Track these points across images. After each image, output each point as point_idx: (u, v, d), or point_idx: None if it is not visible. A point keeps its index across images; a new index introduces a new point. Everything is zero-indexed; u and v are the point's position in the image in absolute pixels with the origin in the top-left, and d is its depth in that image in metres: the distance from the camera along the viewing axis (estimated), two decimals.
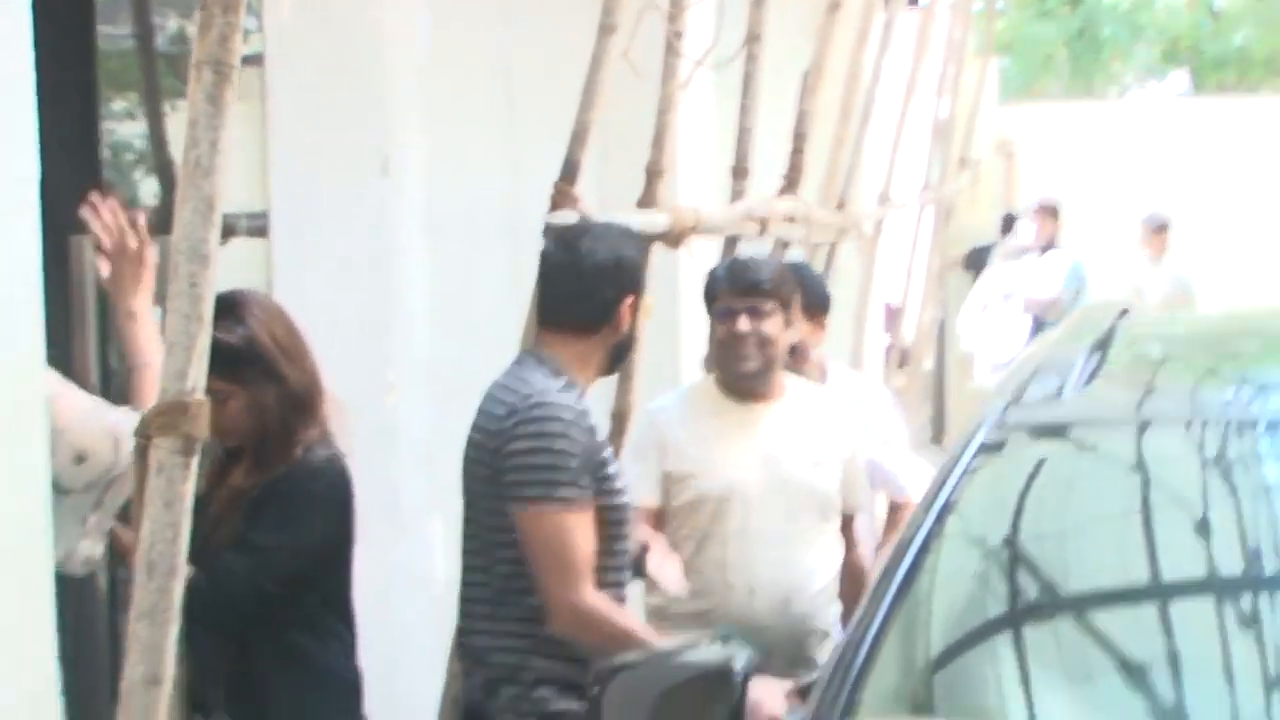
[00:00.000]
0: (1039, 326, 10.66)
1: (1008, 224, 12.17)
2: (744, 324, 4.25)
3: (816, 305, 4.86)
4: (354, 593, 3.64)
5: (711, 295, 4.42)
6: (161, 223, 4.97)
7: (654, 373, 5.34)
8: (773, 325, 4.26)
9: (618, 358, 3.78)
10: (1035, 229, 11.52)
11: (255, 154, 5.19)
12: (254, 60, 4.96)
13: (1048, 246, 11.44)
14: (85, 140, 4.60)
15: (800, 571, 4.27)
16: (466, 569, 3.66)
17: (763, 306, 4.25)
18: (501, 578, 3.55)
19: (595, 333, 3.67)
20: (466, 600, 3.64)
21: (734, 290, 4.30)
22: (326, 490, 3.42)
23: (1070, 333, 3.56)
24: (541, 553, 3.47)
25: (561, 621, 3.46)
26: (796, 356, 4.70)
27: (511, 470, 3.48)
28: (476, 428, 3.63)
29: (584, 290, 3.65)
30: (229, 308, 3.36)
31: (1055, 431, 3.17)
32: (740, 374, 4.30)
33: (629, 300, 3.69)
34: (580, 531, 3.46)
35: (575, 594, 3.45)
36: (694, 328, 6.25)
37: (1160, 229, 11.31)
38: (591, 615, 3.45)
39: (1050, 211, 11.54)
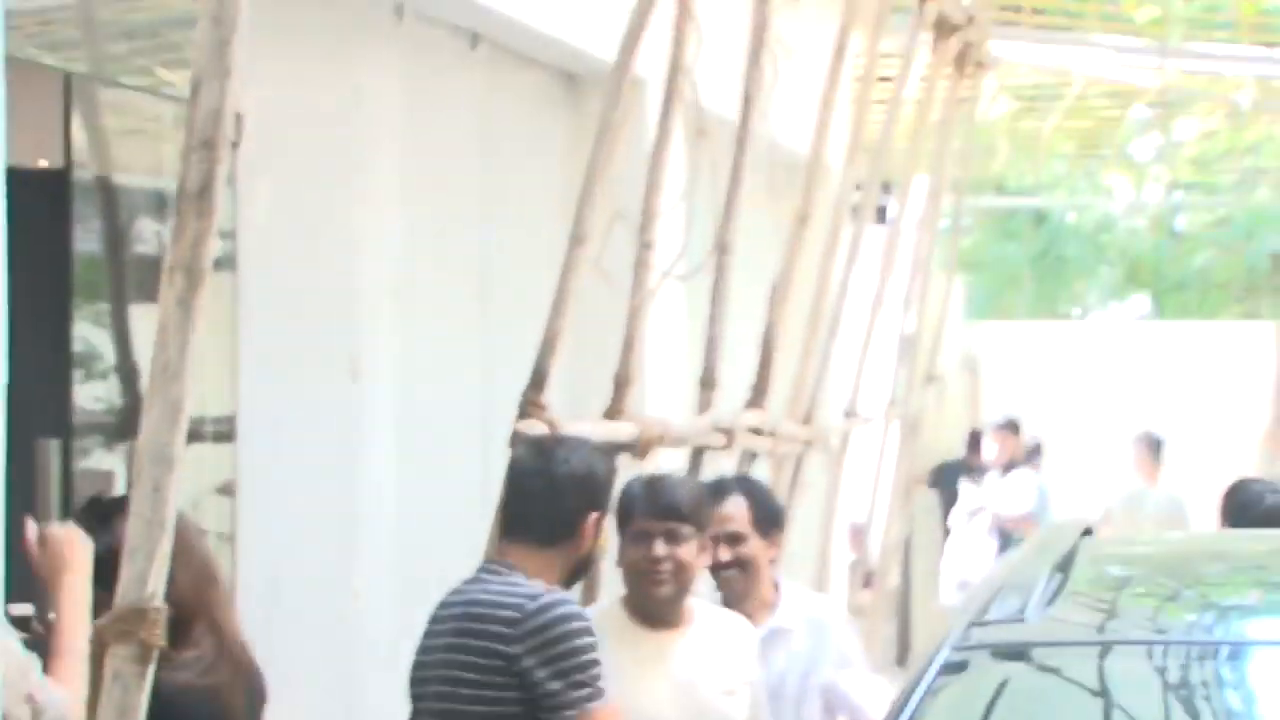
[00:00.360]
0: (1005, 544, 10.66)
1: (974, 441, 12.23)
2: (660, 548, 4.05)
3: (770, 521, 4.66)
4: None
5: (627, 516, 4.14)
6: (124, 426, 5.00)
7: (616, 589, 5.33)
8: (688, 551, 4.12)
9: (577, 573, 3.76)
10: (997, 447, 11.58)
11: (224, 356, 5.21)
12: (226, 264, 5.00)
13: (1010, 465, 11.49)
14: (56, 343, 4.61)
15: None
16: None
17: (680, 530, 4.06)
18: None
19: (558, 546, 3.66)
20: None
21: (651, 512, 4.08)
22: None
23: (1033, 552, 3.56)
24: None
25: None
26: (748, 574, 4.56)
27: (554, 677, 3.44)
28: (460, 645, 3.54)
29: (552, 500, 3.65)
30: (102, 516, 3.27)
31: (1017, 653, 3.15)
32: (654, 599, 4.16)
33: (594, 517, 3.69)
34: None
35: None
36: None
37: (1155, 448, 11.30)
38: None
39: (1011, 429, 11.62)
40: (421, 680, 3.63)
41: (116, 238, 5.30)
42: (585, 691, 3.47)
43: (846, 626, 4.72)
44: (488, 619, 3.51)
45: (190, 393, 2.57)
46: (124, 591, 2.54)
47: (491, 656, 3.48)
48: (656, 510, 4.08)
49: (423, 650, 3.65)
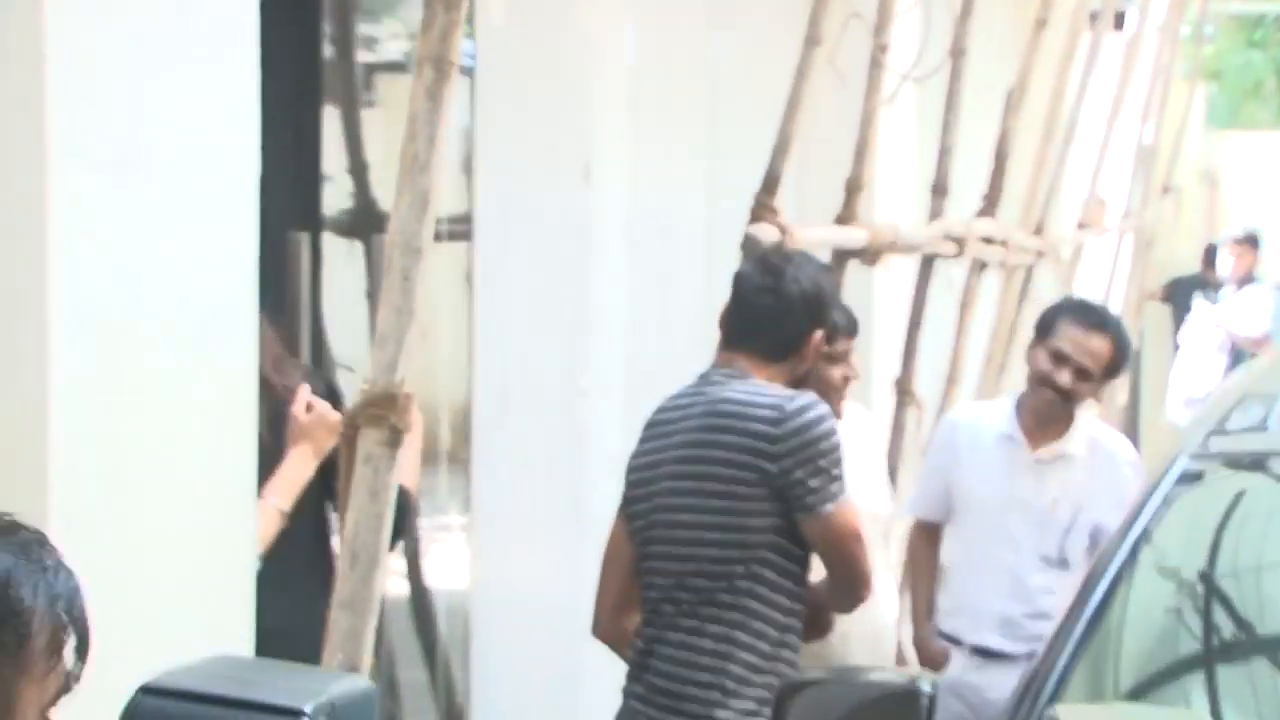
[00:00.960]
0: (1235, 362, 10.42)
1: (1210, 256, 11.92)
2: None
3: (1114, 370, 4.65)
4: (540, 597, 3.68)
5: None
6: (356, 224, 5.11)
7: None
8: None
9: (796, 385, 3.79)
10: (1233, 261, 11.26)
11: (458, 159, 5.28)
12: (465, 71, 5.05)
13: (1245, 280, 11.18)
14: (306, 141, 4.71)
15: None
16: (671, 601, 3.63)
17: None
18: (748, 594, 3.57)
19: (783, 361, 3.69)
20: (682, 631, 3.62)
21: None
22: None
23: (1276, 364, 3.49)
24: (852, 536, 3.60)
25: (867, 589, 3.66)
26: (1069, 405, 4.56)
27: (814, 474, 3.53)
28: (710, 441, 3.60)
29: (781, 318, 3.68)
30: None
31: (1258, 463, 3.11)
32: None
33: (819, 334, 3.71)
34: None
35: (870, 560, 3.66)
36: (887, 345, 6.24)
37: None
38: (872, 574, 3.69)
39: (1250, 243, 11.27)
40: (648, 480, 3.67)
41: (344, 38, 5.37)
42: (836, 486, 3.55)
43: (1135, 468, 4.60)
44: (744, 416, 3.56)
45: (438, 186, 2.62)
46: (374, 377, 2.62)
47: (749, 453, 3.54)
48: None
49: (650, 451, 3.69)
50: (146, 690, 1.63)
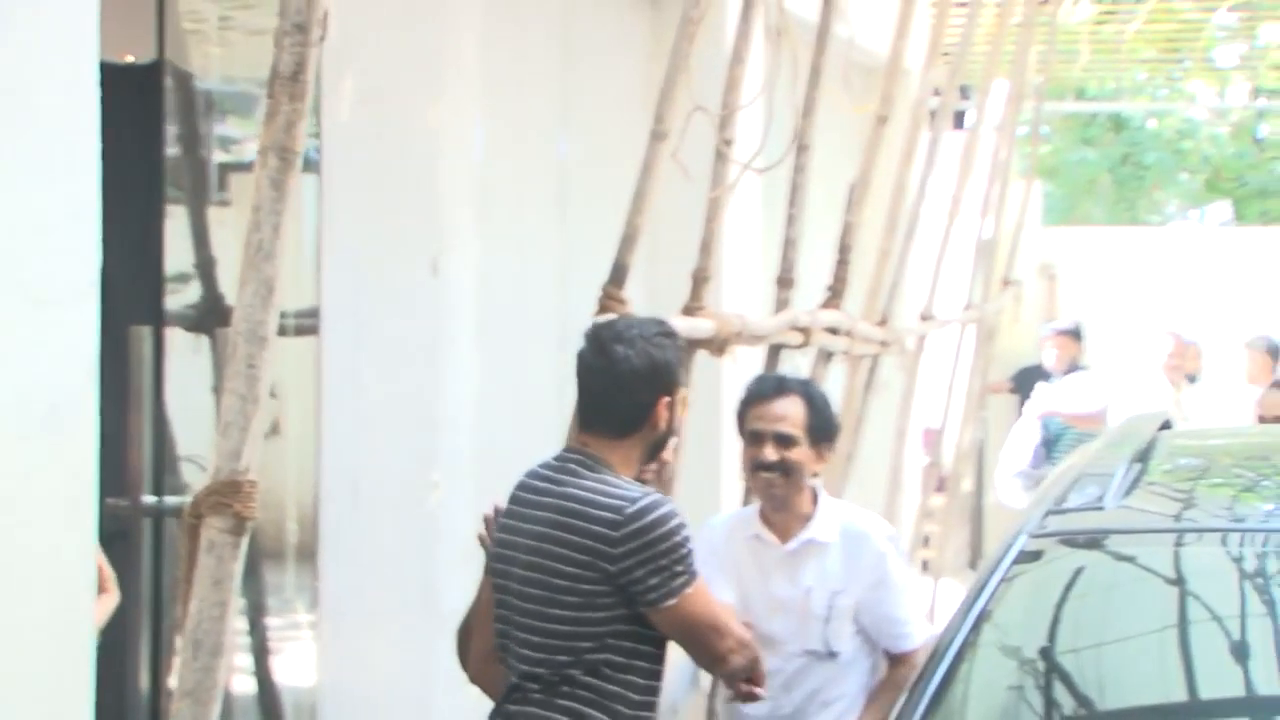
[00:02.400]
0: (1052, 439, 10.59)
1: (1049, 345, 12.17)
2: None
3: (823, 432, 4.34)
4: (391, 692, 3.65)
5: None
6: (202, 318, 5.08)
7: (693, 478, 5.36)
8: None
9: (656, 449, 3.80)
10: (1056, 354, 11.49)
11: (308, 254, 5.27)
12: (310, 166, 5.05)
13: (1070, 369, 11.41)
14: (148, 233, 4.68)
15: None
16: (527, 678, 3.64)
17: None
18: (601, 675, 3.58)
19: (632, 435, 3.70)
20: (539, 706, 3.62)
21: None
22: None
23: (1111, 444, 3.57)
24: (702, 624, 3.60)
25: (738, 661, 3.64)
26: (790, 480, 4.28)
27: (653, 574, 3.53)
28: (556, 538, 3.61)
29: (618, 396, 3.68)
30: None
31: (1094, 541, 3.16)
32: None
33: (664, 401, 3.72)
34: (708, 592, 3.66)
35: (736, 634, 3.64)
36: (734, 435, 6.28)
37: (1272, 353, 10.79)
38: (747, 636, 3.68)
39: (1072, 335, 11.53)
40: (507, 559, 3.69)
41: (191, 135, 5.35)
42: (680, 581, 3.56)
43: (888, 544, 4.38)
44: (586, 517, 3.57)
45: (282, 273, 2.62)
46: (218, 465, 2.60)
47: (589, 554, 3.55)
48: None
49: (510, 529, 3.70)
50: None
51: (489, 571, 3.76)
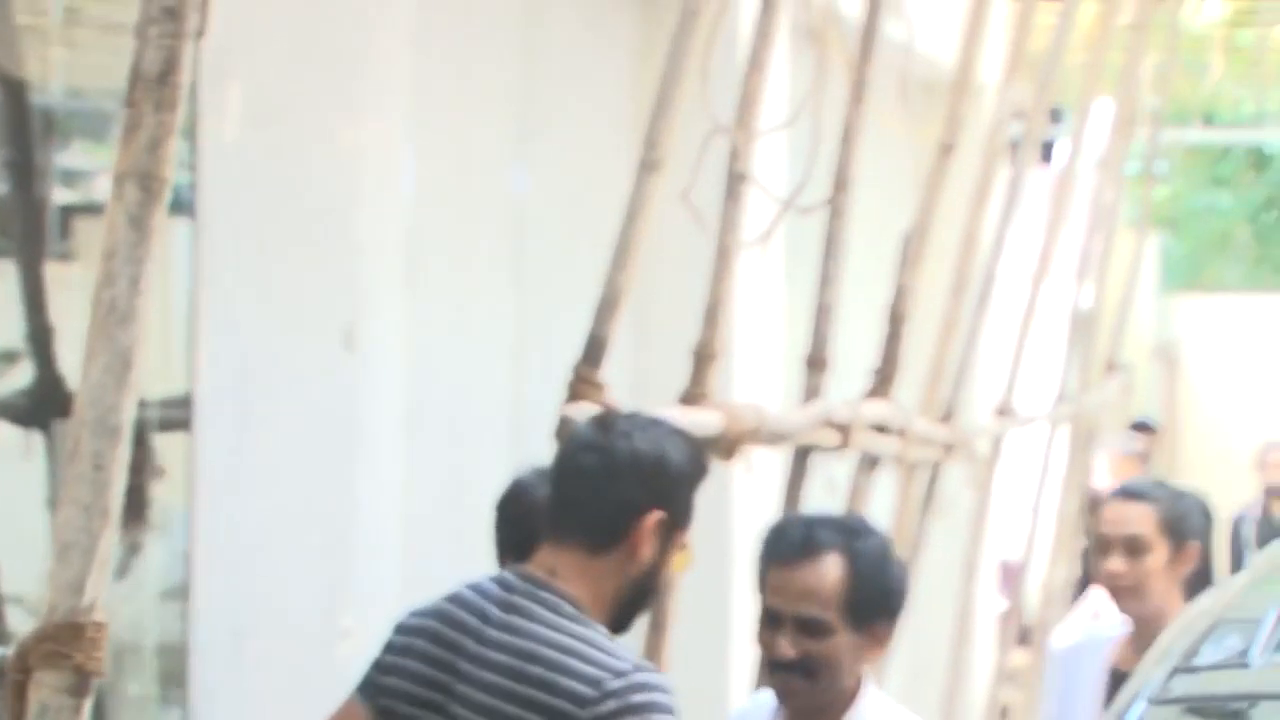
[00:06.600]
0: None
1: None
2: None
3: (874, 607, 4.06)
4: None
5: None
6: (35, 408, 5.08)
7: (695, 637, 5.36)
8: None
9: (635, 601, 3.78)
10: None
11: (177, 324, 5.28)
12: (183, 206, 5.07)
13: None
14: None
15: None
16: None
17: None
18: None
19: (608, 552, 3.69)
20: None
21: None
22: None
23: (1256, 579, 3.56)
24: None
25: None
26: (817, 680, 3.98)
27: None
28: (531, 699, 3.61)
29: (604, 486, 3.69)
30: None
31: (1237, 712, 3.17)
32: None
33: (655, 517, 3.71)
34: None
35: None
36: (747, 565, 6.28)
37: None
38: None
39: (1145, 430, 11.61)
40: (418, 699, 3.68)
41: (37, 166, 5.38)
42: None
43: None
44: (549, 684, 3.56)
45: (142, 344, 2.60)
46: (54, 602, 2.58)
47: None
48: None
49: (432, 660, 3.69)
50: None
51: (366, 696, 3.73)
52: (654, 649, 4.78)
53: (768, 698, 4.25)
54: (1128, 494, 5.35)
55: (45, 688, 2.58)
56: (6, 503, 4.73)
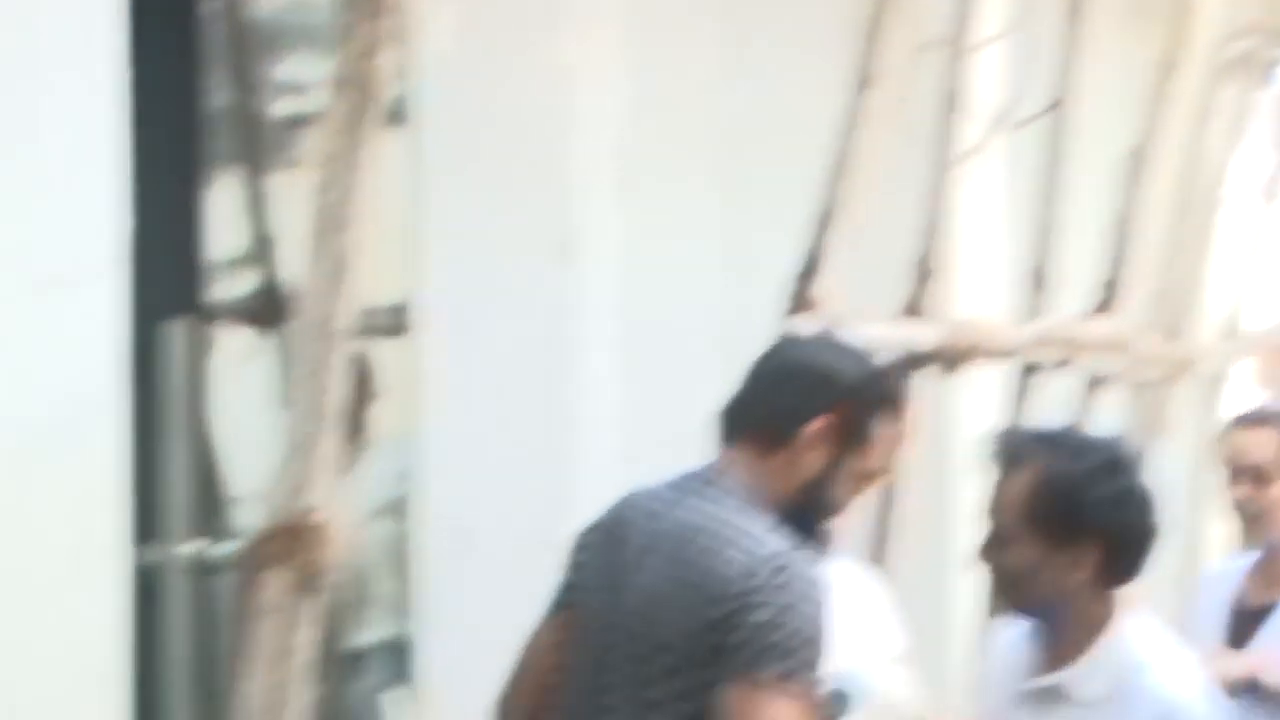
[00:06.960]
0: None
1: None
2: None
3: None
4: None
5: None
6: (264, 311, 5.16)
7: (915, 549, 5.37)
8: None
9: (808, 507, 3.83)
10: None
11: (397, 233, 5.34)
12: (400, 116, 5.12)
13: None
14: (185, 203, 4.79)
15: None
16: None
17: None
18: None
19: (773, 454, 3.76)
20: None
21: None
22: None
23: None
24: None
25: None
26: None
27: (757, 633, 3.58)
28: (684, 579, 3.70)
29: (775, 388, 3.77)
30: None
31: None
32: None
33: (820, 424, 3.76)
34: None
35: None
36: (968, 482, 6.27)
37: None
38: None
39: None
40: (605, 597, 3.78)
41: (256, 79, 5.45)
42: (781, 665, 3.55)
43: None
44: (702, 568, 3.64)
45: (360, 250, 2.67)
46: (278, 503, 2.65)
47: (699, 609, 3.63)
48: None
49: (611, 564, 3.79)
50: None
51: (561, 610, 3.83)
52: (876, 558, 4.81)
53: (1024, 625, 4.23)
54: (1250, 420, 5.30)
55: (272, 587, 2.65)
56: (234, 401, 4.80)
